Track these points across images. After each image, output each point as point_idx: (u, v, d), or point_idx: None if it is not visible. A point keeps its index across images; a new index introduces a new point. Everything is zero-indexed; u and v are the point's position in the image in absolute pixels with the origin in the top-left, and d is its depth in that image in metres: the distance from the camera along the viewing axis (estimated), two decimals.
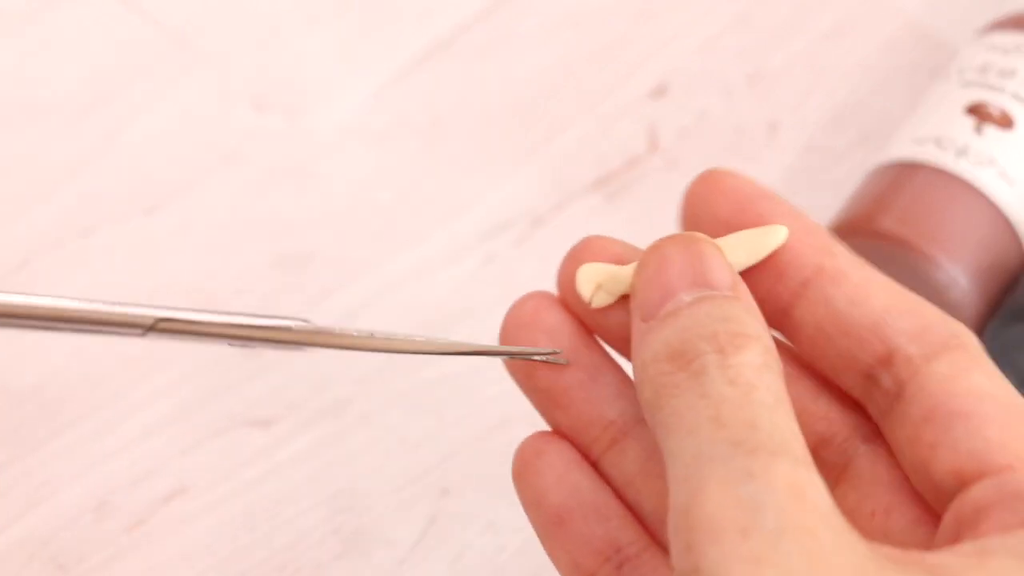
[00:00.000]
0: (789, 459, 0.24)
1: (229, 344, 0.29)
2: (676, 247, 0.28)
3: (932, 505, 0.28)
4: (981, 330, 0.45)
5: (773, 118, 0.53)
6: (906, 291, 0.29)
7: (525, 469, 0.31)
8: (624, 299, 0.30)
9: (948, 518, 0.27)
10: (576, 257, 0.31)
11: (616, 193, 0.50)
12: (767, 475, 0.24)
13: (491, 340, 0.42)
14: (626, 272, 0.30)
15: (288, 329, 0.30)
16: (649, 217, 0.49)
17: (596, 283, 0.30)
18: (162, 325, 0.29)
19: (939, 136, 0.46)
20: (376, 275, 0.48)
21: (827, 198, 0.49)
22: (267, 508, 0.43)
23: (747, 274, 0.29)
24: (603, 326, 0.31)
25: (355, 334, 0.30)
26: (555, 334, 0.31)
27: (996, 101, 0.46)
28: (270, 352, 0.46)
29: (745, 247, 0.29)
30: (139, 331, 0.29)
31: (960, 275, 0.43)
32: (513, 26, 0.55)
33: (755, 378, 0.26)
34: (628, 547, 0.30)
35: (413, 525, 0.43)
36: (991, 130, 0.45)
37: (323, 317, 0.46)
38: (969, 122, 0.46)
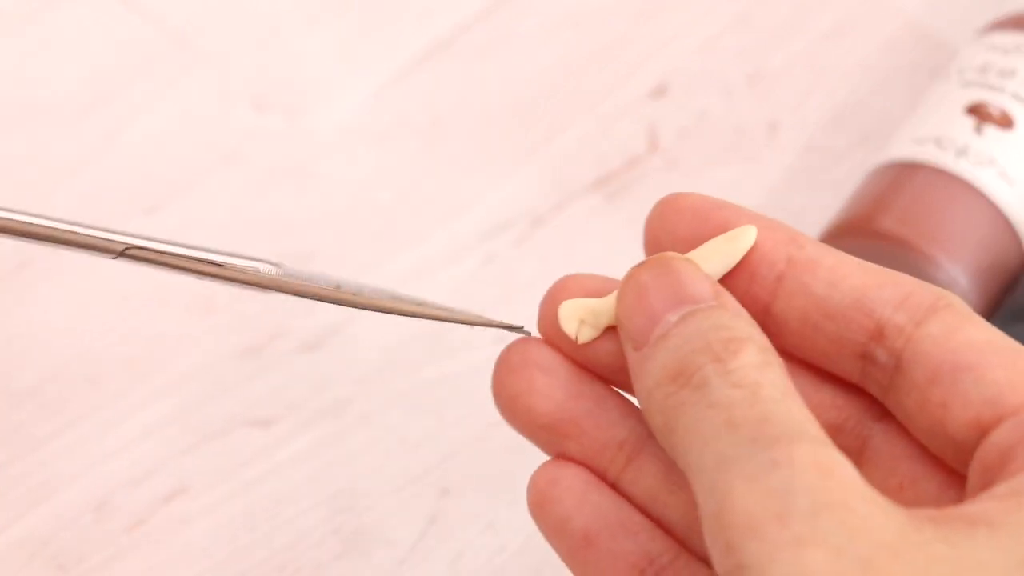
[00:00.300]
0: (809, 441, 0.24)
1: (198, 278, 0.30)
2: (650, 271, 0.28)
3: (954, 466, 0.28)
4: None
5: (773, 118, 0.53)
6: (880, 267, 0.29)
7: (543, 499, 0.30)
8: (609, 331, 0.30)
9: (974, 468, 0.26)
10: (554, 297, 0.30)
11: (616, 193, 0.50)
12: (791, 460, 0.24)
13: (489, 341, 0.43)
14: (606, 304, 0.29)
15: (256, 271, 0.30)
16: None
17: (578, 319, 0.30)
18: (133, 252, 0.30)
19: (939, 136, 0.46)
20: (376, 275, 0.48)
21: (827, 198, 0.49)
22: (267, 508, 0.43)
23: (721, 281, 0.29)
24: (591, 361, 0.30)
25: (322, 284, 0.30)
26: (550, 371, 0.30)
27: (996, 101, 0.46)
28: (269, 351, 0.46)
29: (718, 255, 0.29)
30: (111, 255, 0.30)
31: (960, 275, 0.43)
32: (513, 26, 0.55)
33: (758, 376, 0.26)
34: (661, 557, 0.30)
35: (413, 525, 0.43)
36: (991, 130, 0.45)
37: (323, 317, 0.46)
38: (969, 122, 0.46)
